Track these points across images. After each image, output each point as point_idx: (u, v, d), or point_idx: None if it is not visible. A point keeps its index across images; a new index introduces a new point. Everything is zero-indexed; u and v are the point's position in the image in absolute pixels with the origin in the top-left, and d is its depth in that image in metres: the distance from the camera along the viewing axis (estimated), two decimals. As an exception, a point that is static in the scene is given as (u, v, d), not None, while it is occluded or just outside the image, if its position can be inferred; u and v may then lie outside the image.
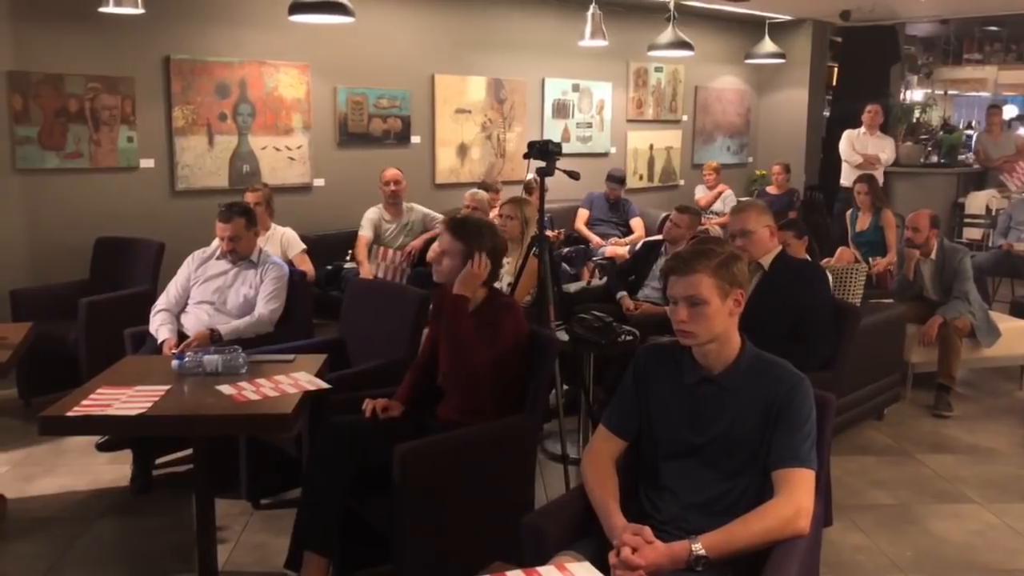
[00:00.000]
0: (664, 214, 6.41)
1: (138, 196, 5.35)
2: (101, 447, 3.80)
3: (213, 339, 3.58)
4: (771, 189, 8.11)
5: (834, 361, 3.43)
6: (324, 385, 2.79)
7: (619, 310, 4.55)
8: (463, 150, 6.97)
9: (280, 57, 5.84)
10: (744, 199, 7.65)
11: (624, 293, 4.70)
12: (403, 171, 5.77)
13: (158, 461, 3.79)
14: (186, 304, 3.86)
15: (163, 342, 3.64)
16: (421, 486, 2.61)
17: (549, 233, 4.52)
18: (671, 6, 6.51)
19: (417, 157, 6.63)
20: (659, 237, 5.15)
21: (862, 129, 7.65)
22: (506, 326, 2.80)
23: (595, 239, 6.86)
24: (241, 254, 3.88)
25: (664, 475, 2.10)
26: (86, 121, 5.10)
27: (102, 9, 4.46)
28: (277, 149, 5.90)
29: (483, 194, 5.65)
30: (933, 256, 5.00)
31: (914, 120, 10.08)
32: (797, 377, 2.03)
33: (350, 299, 3.88)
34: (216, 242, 4.00)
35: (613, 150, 8.10)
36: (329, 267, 5.52)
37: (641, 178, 8.42)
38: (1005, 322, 5.17)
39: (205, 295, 3.84)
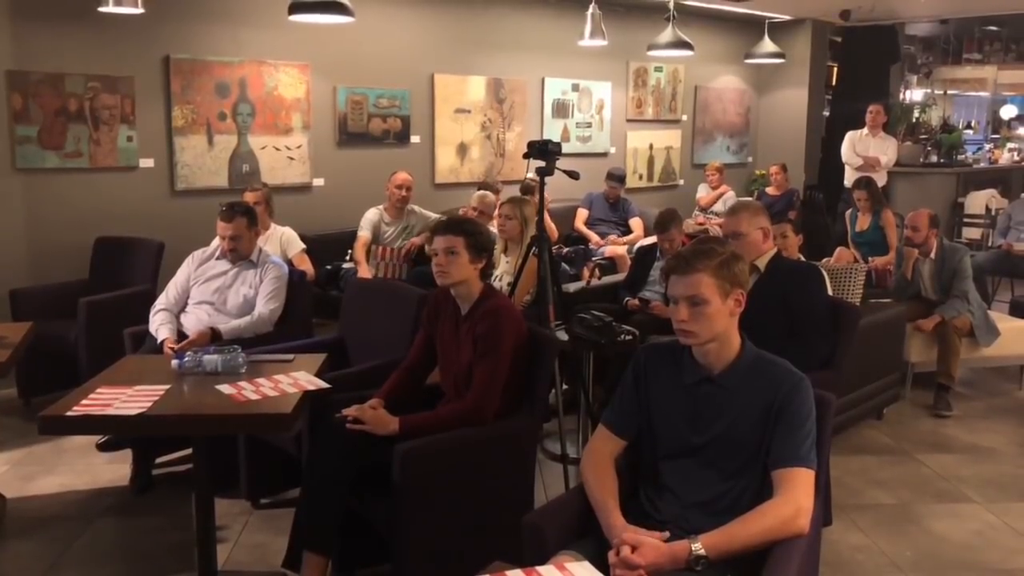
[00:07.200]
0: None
1: (138, 196, 5.35)
2: (102, 447, 3.81)
3: (213, 338, 3.58)
4: (771, 190, 8.09)
5: (834, 361, 3.43)
6: (324, 385, 2.79)
7: (622, 309, 4.56)
8: (463, 150, 6.97)
9: (280, 57, 5.84)
10: (740, 199, 7.62)
11: (628, 297, 4.72)
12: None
13: (158, 460, 3.80)
14: (186, 304, 3.86)
15: (163, 341, 3.64)
16: (421, 486, 2.61)
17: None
18: (671, 6, 6.50)
19: (417, 157, 6.62)
20: (654, 240, 5.15)
21: (864, 130, 7.61)
22: (502, 333, 2.76)
23: (594, 238, 6.86)
24: (241, 254, 3.88)
25: (664, 475, 2.10)
26: (86, 121, 5.10)
27: (102, 9, 4.46)
28: (277, 149, 5.90)
29: (491, 196, 5.57)
30: (933, 255, 5.00)
31: (914, 120, 10.08)
32: (797, 377, 2.03)
33: (349, 298, 3.88)
34: (216, 242, 4.00)
35: (613, 150, 8.10)
36: (328, 267, 5.51)
37: (641, 178, 8.41)
38: (1004, 322, 5.18)
39: (205, 295, 3.84)
